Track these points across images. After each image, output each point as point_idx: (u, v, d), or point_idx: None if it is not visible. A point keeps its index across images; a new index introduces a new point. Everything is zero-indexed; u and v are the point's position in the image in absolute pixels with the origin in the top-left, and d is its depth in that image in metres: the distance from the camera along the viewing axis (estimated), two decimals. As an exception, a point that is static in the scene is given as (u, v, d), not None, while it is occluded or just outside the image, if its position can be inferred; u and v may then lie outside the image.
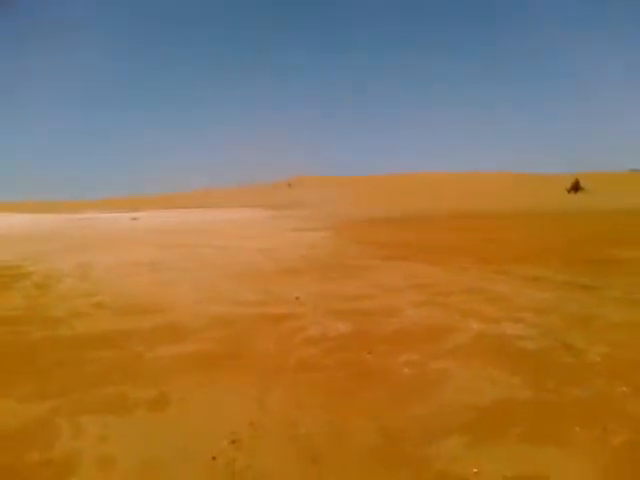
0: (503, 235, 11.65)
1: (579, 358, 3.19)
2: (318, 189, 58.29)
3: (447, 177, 61.48)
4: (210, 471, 2.05)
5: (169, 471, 2.07)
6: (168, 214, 33.95)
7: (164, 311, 4.85)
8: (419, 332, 3.88)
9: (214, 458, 2.13)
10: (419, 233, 13.20)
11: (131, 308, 5.01)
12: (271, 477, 2.01)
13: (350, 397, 2.74)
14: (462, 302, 4.80)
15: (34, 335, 4.12)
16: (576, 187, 41.09)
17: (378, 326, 4.09)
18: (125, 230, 17.64)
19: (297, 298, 5.17)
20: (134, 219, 25.61)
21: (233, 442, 2.26)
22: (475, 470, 1.98)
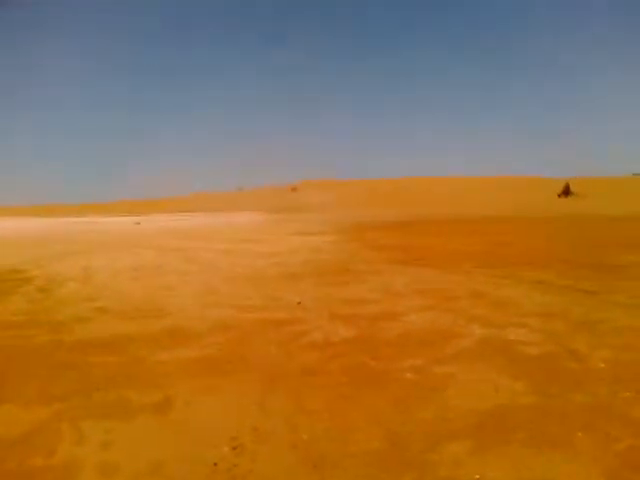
0: (506, 239, 11.63)
1: (583, 363, 3.18)
2: (323, 193, 58.24)
3: (447, 181, 61.39)
4: (212, 476, 2.05)
5: (171, 477, 2.07)
6: (170, 218, 34.11)
7: (167, 315, 4.87)
8: (423, 337, 3.87)
9: (216, 464, 2.13)
10: (422, 237, 13.18)
11: (134, 312, 5.03)
12: (273, 483, 2.01)
13: (353, 402, 2.74)
14: (466, 307, 4.79)
15: (37, 340, 4.13)
16: (567, 191, 41.00)
17: (382, 331, 4.08)
18: (128, 234, 17.72)
19: (299, 303, 5.17)
20: (137, 223, 25.76)
21: (235, 448, 2.26)
22: (477, 476, 1.97)
